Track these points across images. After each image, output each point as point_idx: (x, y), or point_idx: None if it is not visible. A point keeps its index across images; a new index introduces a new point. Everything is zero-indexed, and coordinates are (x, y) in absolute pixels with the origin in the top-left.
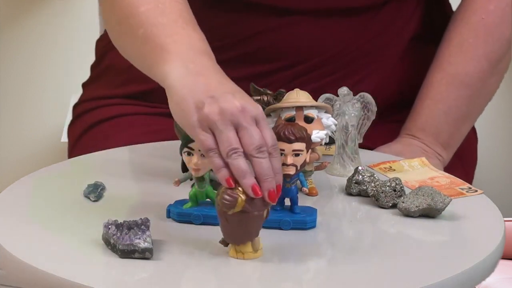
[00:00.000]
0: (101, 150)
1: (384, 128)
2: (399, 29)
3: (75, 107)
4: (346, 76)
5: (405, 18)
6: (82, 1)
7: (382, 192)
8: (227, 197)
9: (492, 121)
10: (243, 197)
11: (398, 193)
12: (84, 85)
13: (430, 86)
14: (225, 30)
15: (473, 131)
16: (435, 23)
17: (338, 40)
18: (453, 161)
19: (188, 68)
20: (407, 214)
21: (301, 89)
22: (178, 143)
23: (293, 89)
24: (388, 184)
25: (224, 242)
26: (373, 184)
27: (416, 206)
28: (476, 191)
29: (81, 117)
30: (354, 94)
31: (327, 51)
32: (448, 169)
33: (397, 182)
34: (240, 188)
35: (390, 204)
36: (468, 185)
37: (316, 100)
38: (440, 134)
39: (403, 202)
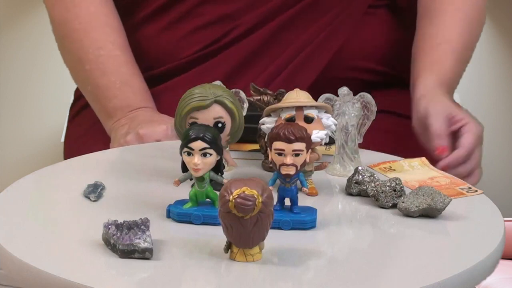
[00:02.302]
0: (97, 150)
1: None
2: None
3: (71, 108)
4: (312, 25)
5: None
6: None
7: (382, 192)
8: (246, 201)
9: (492, 122)
10: (260, 198)
11: (398, 193)
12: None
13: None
14: None
15: None
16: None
17: None
18: None
19: (124, 127)
20: (407, 214)
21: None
22: (178, 143)
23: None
24: (388, 184)
25: (227, 249)
26: (373, 184)
27: (416, 206)
28: (476, 191)
29: (75, 118)
30: (323, 48)
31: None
32: None
33: (397, 182)
34: (254, 191)
35: (390, 204)
36: (468, 185)
37: (316, 100)
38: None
39: (403, 202)
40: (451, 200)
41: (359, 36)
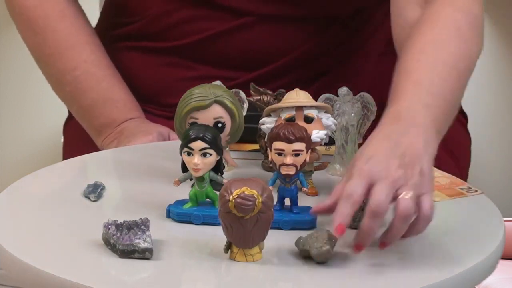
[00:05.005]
0: (97, 150)
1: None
2: (366, 38)
3: None
4: (316, 82)
5: (371, 28)
6: (81, 1)
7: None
8: (246, 202)
9: (492, 121)
10: (260, 198)
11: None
12: None
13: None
14: (184, 28)
15: (465, 131)
16: None
17: (301, 43)
18: (447, 160)
19: (113, 142)
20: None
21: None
22: (178, 143)
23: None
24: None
25: (227, 249)
26: None
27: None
28: (476, 191)
29: (74, 118)
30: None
31: (290, 53)
32: (442, 167)
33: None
34: (254, 191)
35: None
36: (468, 185)
37: (316, 100)
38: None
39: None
40: (328, 249)
41: (372, 87)
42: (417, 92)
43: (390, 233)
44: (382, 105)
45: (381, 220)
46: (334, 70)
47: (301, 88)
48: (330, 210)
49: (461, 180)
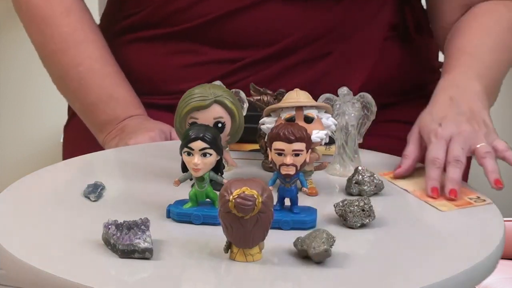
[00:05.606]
0: (97, 150)
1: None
2: (370, 18)
3: (70, 108)
4: (321, 62)
5: (375, 8)
6: None
7: (350, 212)
8: (246, 201)
9: (492, 121)
10: (260, 198)
11: (367, 213)
12: None
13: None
14: (191, 11)
15: None
16: (408, 23)
17: (307, 22)
18: None
19: (115, 139)
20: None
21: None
22: (178, 143)
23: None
24: (356, 203)
25: (227, 249)
26: (341, 204)
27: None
28: (484, 200)
29: (75, 118)
30: (333, 83)
31: (296, 32)
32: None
33: (365, 202)
34: (254, 191)
35: (359, 225)
36: (477, 194)
37: (316, 100)
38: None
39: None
40: (326, 248)
41: (375, 72)
42: (470, 62)
43: (490, 172)
44: (386, 90)
45: (462, 169)
46: (338, 49)
47: (307, 69)
48: (409, 171)
49: (470, 189)
